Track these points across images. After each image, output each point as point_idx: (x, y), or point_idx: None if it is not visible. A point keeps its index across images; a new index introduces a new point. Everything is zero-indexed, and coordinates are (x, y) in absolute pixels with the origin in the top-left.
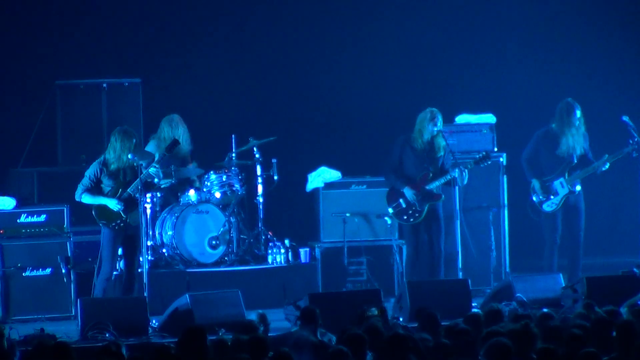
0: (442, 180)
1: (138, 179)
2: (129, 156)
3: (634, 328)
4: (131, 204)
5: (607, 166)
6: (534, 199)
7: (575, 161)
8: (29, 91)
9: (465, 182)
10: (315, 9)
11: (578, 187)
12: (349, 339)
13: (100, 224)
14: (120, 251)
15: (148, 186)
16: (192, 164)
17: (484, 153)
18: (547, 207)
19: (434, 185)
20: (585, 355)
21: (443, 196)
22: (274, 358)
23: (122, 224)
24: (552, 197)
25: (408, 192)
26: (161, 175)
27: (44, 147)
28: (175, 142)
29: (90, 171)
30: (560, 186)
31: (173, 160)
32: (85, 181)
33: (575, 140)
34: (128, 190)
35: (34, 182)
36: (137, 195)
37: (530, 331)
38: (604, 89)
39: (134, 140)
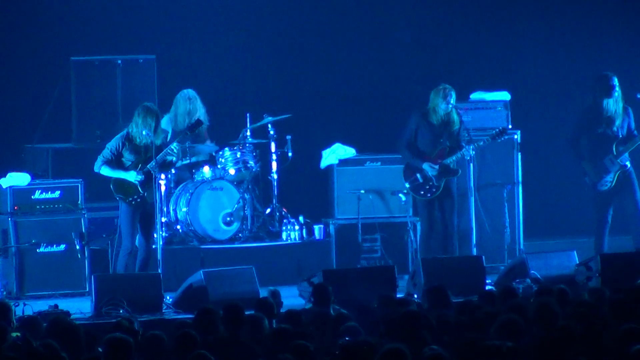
0: (459, 155)
1: (156, 156)
2: (144, 132)
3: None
4: (149, 180)
5: None
6: (587, 181)
7: (620, 136)
8: (44, 67)
9: (472, 152)
10: None
11: (628, 163)
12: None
13: (118, 198)
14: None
15: (166, 164)
16: (208, 140)
17: (500, 128)
18: (601, 186)
19: (451, 160)
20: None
21: (460, 171)
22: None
23: (139, 200)
24: (604, 175)
25: (427, 167)
26: (180, 154)
27: (59, 124)
28: (198, 122)
29: (113, 144)
30: (610, 163)
31: (188, 137)
32: (107, 153)
33: (615, 112)
34: (148, 166)
35: (49, 159)
36: (155, 173)
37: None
38: (621, 66)
39: (156, 118)
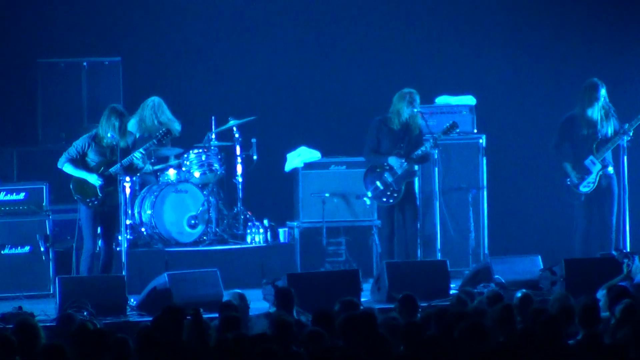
0: (419, 152)
1: (120, 161)
2: (109, 135)
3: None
4: (110, 183)
5: (631, 133)
6: (569, 182)
7: (600, 137)
8: (10, 69)
9: (436, 156)
10: None
11: (610, 169)
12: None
13: (76, 198)
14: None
15: (130, 169)
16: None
17: (451, 122)
18: (583, 188)
19: (415, 155)
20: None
21: (417, 173)
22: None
23: (96, 202)
24: (586, 176)
25: (394, 160)
26: (145, 159)
27: (24, 126)
28: (167, 132)
29: (80, 143)
30: (592, 164)
31: (154, 145)
32: (72, 151)
33: (600, 117)
34: (110, 170)
35: (14, 161)
36: (119, 176)
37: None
38: (586, 68)
39: (120, 119)
